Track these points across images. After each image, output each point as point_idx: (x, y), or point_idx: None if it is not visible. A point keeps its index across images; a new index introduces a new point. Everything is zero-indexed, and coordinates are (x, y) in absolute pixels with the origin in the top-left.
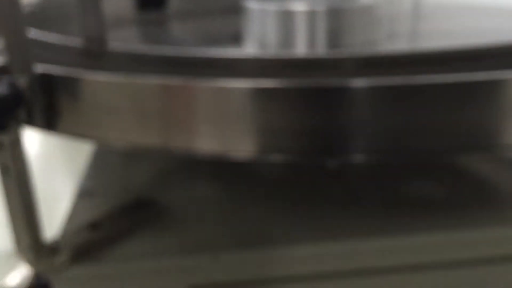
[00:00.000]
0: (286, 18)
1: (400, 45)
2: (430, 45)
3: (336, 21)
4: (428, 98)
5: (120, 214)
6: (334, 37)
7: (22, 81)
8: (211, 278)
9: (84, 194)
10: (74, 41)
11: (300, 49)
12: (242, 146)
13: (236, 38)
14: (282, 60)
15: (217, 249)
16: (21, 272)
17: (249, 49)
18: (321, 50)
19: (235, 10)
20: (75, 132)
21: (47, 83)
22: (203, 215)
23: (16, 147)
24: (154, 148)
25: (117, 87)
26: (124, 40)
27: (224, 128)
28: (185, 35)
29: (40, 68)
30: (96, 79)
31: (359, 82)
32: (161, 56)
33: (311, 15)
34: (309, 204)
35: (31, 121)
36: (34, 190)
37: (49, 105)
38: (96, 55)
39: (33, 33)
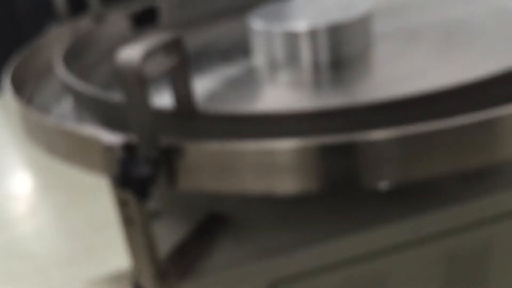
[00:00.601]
0: (290, 38)
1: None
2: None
3: (336, 36)
4: (433, 139)
5: (199, 231)
6: (335, 51)
7: (152, 156)
8: (284, 274)
9: (155, 216)
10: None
11: (305, 64)
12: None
13: (244, 52)
14: (311, 114)
15: (285, 249)
16: None
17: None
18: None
19: (224, 13)
20: (191, 187)
21: (170, 152)
22: (262, 222)
23: (141, 203)
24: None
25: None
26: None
27: (271, 174)
28: (195, 51)
29: (164, 142)
30: (205, 148)
31: (377, 135)
32: (232, 116)
33: (313, 35)
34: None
35: (155, 181)
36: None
37: (171, 168)
38: (189, 118)
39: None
